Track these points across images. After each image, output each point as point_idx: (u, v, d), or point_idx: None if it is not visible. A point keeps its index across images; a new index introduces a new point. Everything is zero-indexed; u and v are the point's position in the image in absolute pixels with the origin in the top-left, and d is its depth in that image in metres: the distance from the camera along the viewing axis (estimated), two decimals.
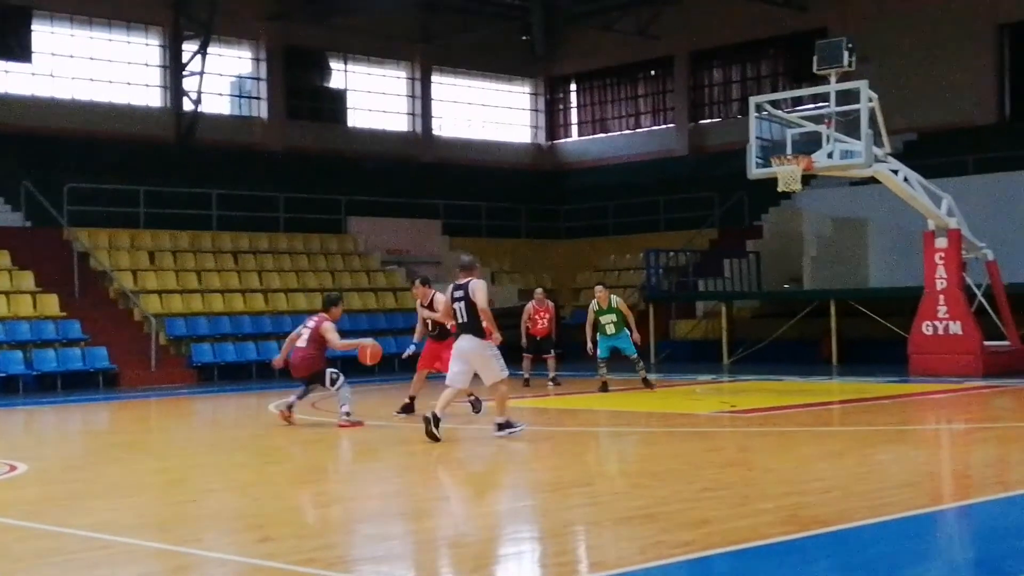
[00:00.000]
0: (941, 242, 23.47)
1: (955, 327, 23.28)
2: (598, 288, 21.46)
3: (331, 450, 14.53)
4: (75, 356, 25.76)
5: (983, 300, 23.88)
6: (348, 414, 15.79)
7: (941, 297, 23.47)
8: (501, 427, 13.97)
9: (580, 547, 8.34)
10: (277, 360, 17.42)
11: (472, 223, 37.97)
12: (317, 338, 16.51)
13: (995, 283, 24.13)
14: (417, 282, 18.21)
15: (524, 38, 41.56)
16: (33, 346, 25.59)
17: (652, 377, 22.14)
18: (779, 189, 22.01)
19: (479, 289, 13.77)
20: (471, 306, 13.71)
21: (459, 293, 13.88)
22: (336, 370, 16.62)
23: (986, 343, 23.33)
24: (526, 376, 22.69)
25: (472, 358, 13.86)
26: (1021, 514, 9.09)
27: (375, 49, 39.64)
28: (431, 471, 12.45)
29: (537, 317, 23.05)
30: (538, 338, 23.08)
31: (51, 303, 26.82)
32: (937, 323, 23.49)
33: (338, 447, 14.87)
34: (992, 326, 23.77)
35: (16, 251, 27.90)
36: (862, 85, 21.56)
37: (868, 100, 21.39)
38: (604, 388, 20.96)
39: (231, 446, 15.41)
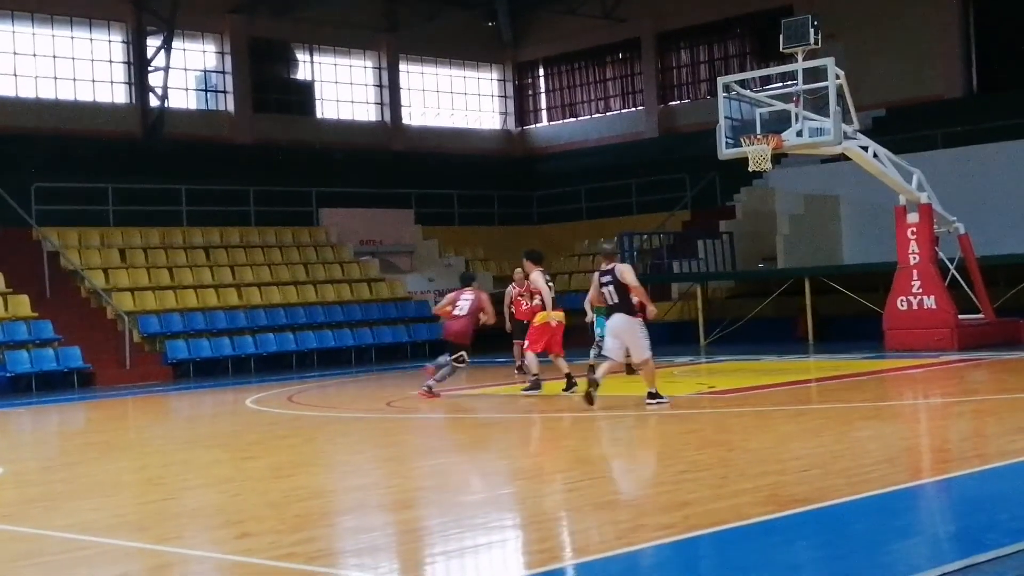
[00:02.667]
0: (912, 217, 23.54)
1: (929, 302, 23.37)
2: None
3: (309, 444, 14.48)
4: (48, 357, 25.63)
5: (956, 274, 23.97)
6: (654, 395, 15.80)
7: (915, 272, 23.55)
8: (652, 396, 15.24)
9: (562, 533, 8.32)
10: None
11: (445, 211, 37.94)
12: (476, 310, 18.44)
13: (968, 256, 24.22)
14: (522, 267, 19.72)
15: (490, 24, 41.53)
16: (5, 348, 25.45)
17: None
18: (750, 169, 22.06)
19: (628, 271, 15.32)
20: (621, 288, 15.05)
21: (607, 278, 15.24)
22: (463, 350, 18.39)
23: (961, 317, 23.43)
24: (518, 363, 22.12)
25: (623, 335, 15.17)
26: (999, 486, 9.11)
27: (341, 39, 39.48)
28: (409, 462, 12.42)
29: (520, 299, 21.98)
30: (524, 322, 21.53)
31: (22, 304, 26.66)
32: (911, 298, 23.57)
33: (315, 441, 14.83)
34: (966, 300, 23.87)
35: None
36: (829, 62, 21.60)
37: (835, 77, 21.42)
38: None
39: (208, 442, 15.33)
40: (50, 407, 21.92)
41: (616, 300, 15.19)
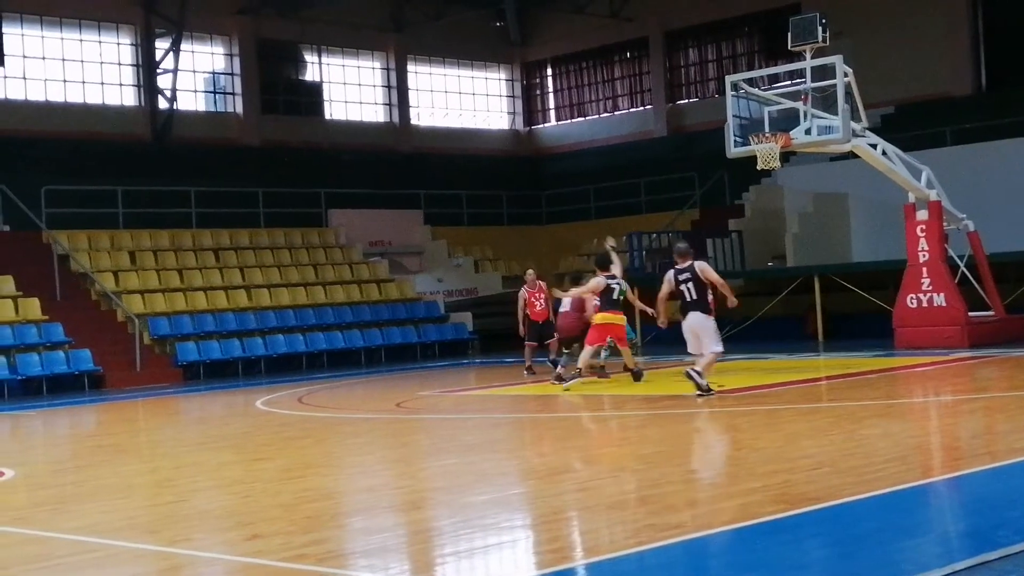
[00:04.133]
0: (922, 214, 23.49)
1: (939, 299, 23.32)
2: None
3: (319, 445, 14.49)
4: (59, 359, 25.67)
5: (966, 271, 23.92)
6: (560, 377, 17.04)
7: (924, 269, 23.50)
8: (698, 374, 15.83)
9: (572, 533, 8.32)
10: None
11: (453, 212, 37.95)
12: (578, 303, 19.45)
13: (977, 254, 24.16)
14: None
15: (498, 24, 41.54)
16: (16, 351, 25.50)
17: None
18: (759, 167, 22.02)
19: (708, 268, 16.05)
20: (699, 285, 15.78)
21: (685, 275, 15.90)
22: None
23: (970, 314, 23.38)
24: (528, 364, 21.97)
25: (698, 330, 15.90)
26: (1010, 484, 9.09)
27: (348, 40, 39.48)
28: (419, 463, 12.43)
29: (534, 300, 22.00)
30: (539, 323, 21.93)
31: (33, 307, 26.70)
32: (921, 295, 23.53)
33: (326, 442, 14.84)
34: (976, 297, 23.82)
35: None
36: (837, 60, 21.55)
37: (844, 75, 21.39)
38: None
39: (219, 444, 15.35)
40: (61, 410, 21.96)
41: (695, 297, 15.83)
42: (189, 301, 29.23)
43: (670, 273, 16.25)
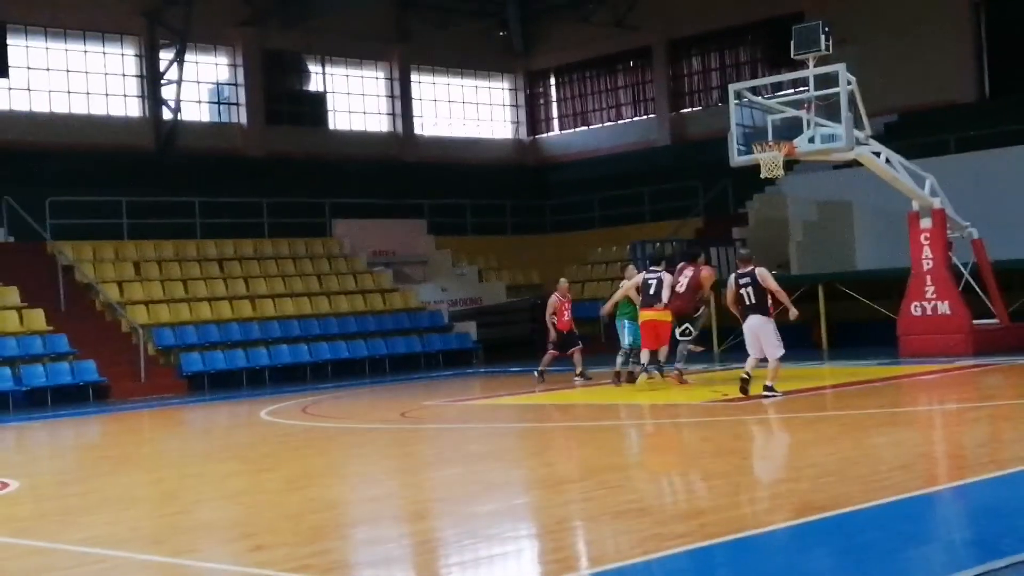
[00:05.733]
0: (926, 222, 23.47)
1: (943, 307, 23.30)
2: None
3: (323, 455, 14.48)
4: (64, 370, 25.67)
5: (970, 279, 23.89)
6: (770, 388, 16.70)
7: (928, 277, 23.47)
8: (768, 389, 16.35)
9: (577, 543, 8.31)
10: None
11: (457, 221, 37.95)
12: (695, 286, 19.66)
13: (981, 261, 24.13)
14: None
15: (501, 33, 41.57)
16: (21, 362, 25.49)
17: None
18: (762, 175, 22.00)
19: (768, 276, 16.69)
20: (759, 290, 16.45)
21: (745, 280, 16.59)
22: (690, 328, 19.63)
23: (975, 322, 23.35)
24: (541, 368, 21.96)
25: (758, 332, 16.54)
26: (1016, 492, 9.08)
27: (352, 50, 39.52)
28: (424, 473, 12.41)
29: (564, 309, 22.10)
30: (565, 332, 22.08)
31: (37, 318, 26.71)
32: (925, 303, 23.51)
33: (330, 452, 14.83)
34: (980, 304, 23.79)
35: (0, 267, 27.78)
36: (840, 68, 21.55)
37: (847, 83, 21.38)
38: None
39: (223, 455, 15.35)
40: (65, 421, 21.95)
41: (753, 301, 16.53)
42: (193, 311, 29.22)
43: (731, 277, 17.06)
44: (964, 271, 23.88)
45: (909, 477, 9.83)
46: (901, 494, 8.88)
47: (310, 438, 16.42)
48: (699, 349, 21.33)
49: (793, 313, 17.06)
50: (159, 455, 16.13)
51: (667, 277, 19.47)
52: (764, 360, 17.03)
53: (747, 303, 16.64)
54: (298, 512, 9.83)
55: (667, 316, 19.33)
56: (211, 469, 13.63)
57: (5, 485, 12.41)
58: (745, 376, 16.55)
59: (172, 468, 13.99)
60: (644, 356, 19.46)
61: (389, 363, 30.23)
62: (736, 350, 28.06)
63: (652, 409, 17.51)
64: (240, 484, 12.01)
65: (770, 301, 16.63)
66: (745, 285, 16.59)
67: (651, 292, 19.25)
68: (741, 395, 16.41)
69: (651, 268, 19.76)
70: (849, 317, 27.61)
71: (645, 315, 19.32)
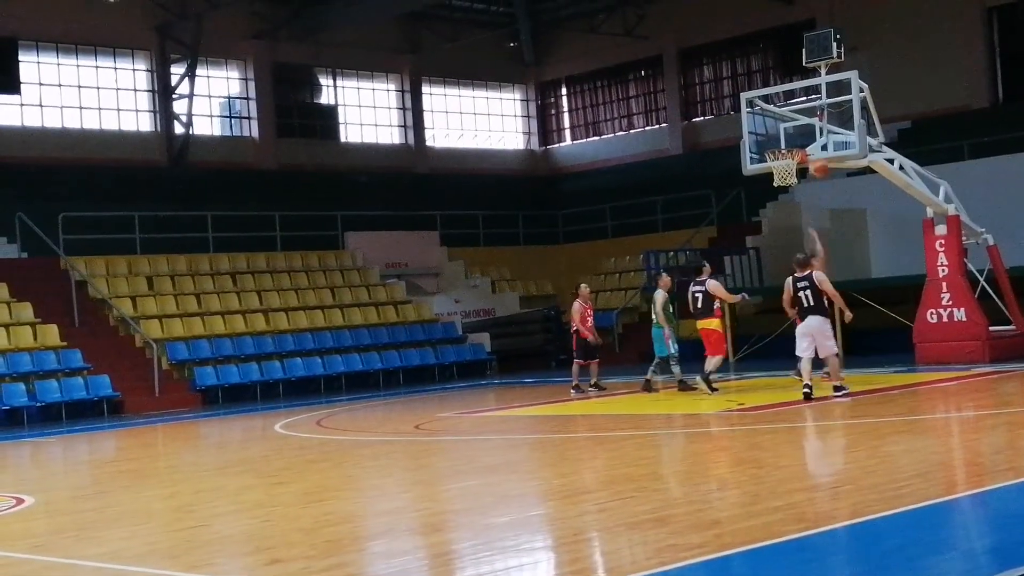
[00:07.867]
0: (940, 229, 23.41)
1: (959, 314, 23.22)
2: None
3: (338, 468, 14.46)
4: (78, 385, 25.69)
5: (986, 285, 23.80)
6: (839, 388, 17.55)
7: (944, 284, 23.40)
8: (837, 390, 17.41)
9: (593, 554, 8.27)
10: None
11: (470, 232, 37.95)
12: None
13: (997, 267, 24.05)
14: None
15: (512, 44, 41.60)
16: (35, 377, 25.53)
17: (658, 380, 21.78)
18: (775, 184, 21.97)
19: (825, 280, 17.57)
20: (817, 292, 17.39)
21: (803, 283, 17.55)
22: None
23: (991, 328, 23.26)
24: (576, 383, 21.86)
25: (815, 334, 17.41)
26: None
27: (363, 63, 39.58)
28: (439, 485, 12.38)
29: (587, 315, 21.95)
30: (586, 339, 21.99)
31: (51, 333, 26.75)
32: (941, 310, 23.43)
33: (345, 465, 14.81)
34: (996, 311, 23.70)
35: (14, 283, 27.85)
36: (852, 75, 21.52)
37: (859, 90, 21.34)
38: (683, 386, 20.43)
39: (238, 468, 15.33)
40: (80, 436, 21.96)
41: (812, 303, 17.47)
42: (207, 325, 29.24)
43: (788, 280, 17.86)
44: (980, 277, 23.79)
45: (927, 485, 9.77)
46: (919, 502, 8.83)
47: (325, 451, 16.40)
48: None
49: (848, 316, 18.02)
50: (174, 469, 16.12)
51: (711, 284, 19.80)
52: (814, 360, 17.59)
53: (806, 305, 17.50)
54: (314, 525, 9.80)
55: (718, 324, 19.93)
56: (226, 483, 13.61)
57: (21, 501, 12.41)
58: (807, 391, 17.17)
59: (187, 482, 13.98)
60: (709, 364, 19.64)
61: (403, 375, 30.21)
62: (751, 359, 28.07)
63: (667, 419, 17.47)
64: (255, 498, 11.99)
65: (827, 302, 17.60)
66: (804, 288, 17.51)
67: (699, 306, 19.71)
68: (804, 400, 17.04)
69: (696, 280, 19.87)
70: (865, 325, 27.41)
71: (701, 325, 19.89)
